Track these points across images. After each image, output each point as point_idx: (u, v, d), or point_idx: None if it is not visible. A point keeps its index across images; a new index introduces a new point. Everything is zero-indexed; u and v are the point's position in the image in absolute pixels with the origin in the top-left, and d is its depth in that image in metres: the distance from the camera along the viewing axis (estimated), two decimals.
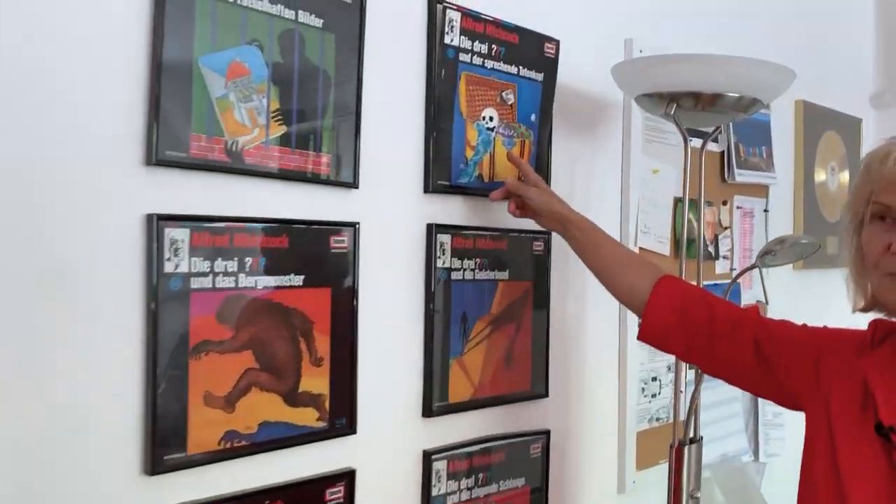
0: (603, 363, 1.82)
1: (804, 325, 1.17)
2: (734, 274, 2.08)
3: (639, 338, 1.30)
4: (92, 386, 1.01)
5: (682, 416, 1.64)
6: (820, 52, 2.55)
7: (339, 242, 1.27)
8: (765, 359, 1.15)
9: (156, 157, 1.05)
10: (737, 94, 1.43)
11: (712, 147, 2.13)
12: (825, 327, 1.16)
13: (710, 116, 1.51)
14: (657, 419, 1.94)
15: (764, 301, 1.52)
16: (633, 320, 1.86)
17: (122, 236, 1.04)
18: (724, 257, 2.16)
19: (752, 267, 1.53)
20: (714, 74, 1.39)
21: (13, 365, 0.95)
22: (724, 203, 2.17)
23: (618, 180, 1.85)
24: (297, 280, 1.21)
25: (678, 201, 2.00)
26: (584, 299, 1.76)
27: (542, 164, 1.61)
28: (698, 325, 1.21)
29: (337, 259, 1.27)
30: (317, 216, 1.24)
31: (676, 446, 1.51)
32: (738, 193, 2.20)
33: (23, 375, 0.96)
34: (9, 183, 0.94)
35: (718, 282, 2.13)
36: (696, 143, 1.94)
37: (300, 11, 1.20)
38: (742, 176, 2.16)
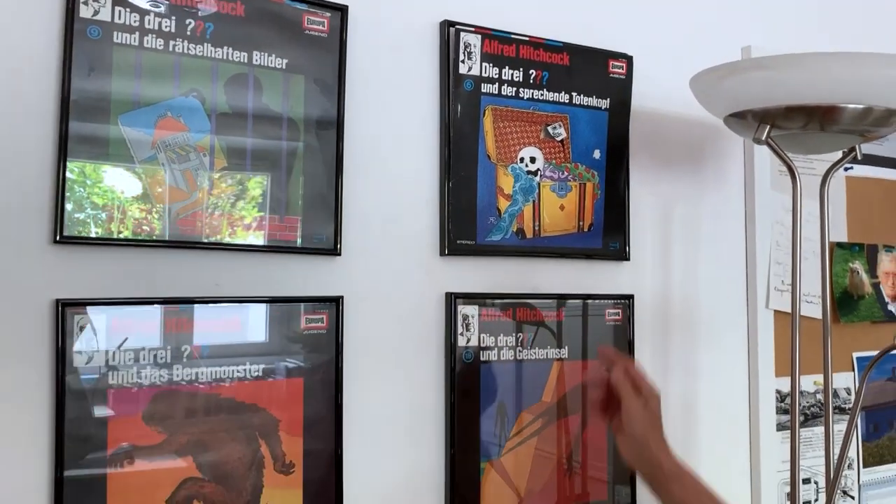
0: (726, 459, 1.41)
1: None
2: None
3: None
4: None
5: None
6: None
7: (315, 322, 1.05)
8: None
9: (61, 235, 0.91)
10: (859, 106, 1.02)
11: (891, 174, 1.64)
12: None
13: (829, 138, 1.10)
14: None
15: None
16: (767, 400, 1.44)
17: (30, 321, 0.90)
18: None
19: (891, 348, 1.08)
20: (818, 81, 1.00)
21: None
22: None
23: (739, 226, 1.45)
24: (255, 370, 1.01)
25: (836, 247, 1.54)
26: (691, 378, 1.37)
27: (617, 214, 1.28)
28: None
29: (312, 342, 1.05)
30: (282, 291, 1.04)
31: None
32: None
33: None
34: None
35: None
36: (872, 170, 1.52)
37: (255, 53, 1.02)
38: None
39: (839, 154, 1.19)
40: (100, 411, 0.92)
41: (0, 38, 0.89)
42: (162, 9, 0.96)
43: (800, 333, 1.15)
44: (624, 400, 0.94)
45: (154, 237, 0.95)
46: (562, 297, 1.23)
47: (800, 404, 1.40)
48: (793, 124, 1.06)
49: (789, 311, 1.46)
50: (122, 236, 0.94)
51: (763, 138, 1.06)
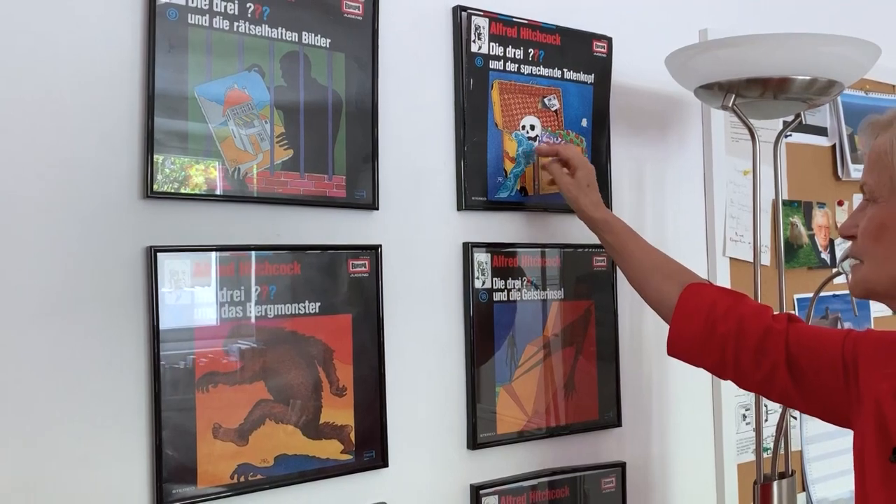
0: (692, 386, 1.64)
1: (847, 331, 0.99)
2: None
3: (668, 352, 1.15)
4: (95, 413, 1.02)
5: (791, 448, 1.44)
6: None
7: (359, 267, 1.22)
8: (799, 372, 0.99)
9: (151, 190, 1.05)
10: (807, 77, 1.24)
11: (821, 141, 1.89)
12: (870, 330, 0.99)
13: (781, 105, 1.33)
14: (765, 449, 1.72)
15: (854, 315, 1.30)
16: None
17: (126, 265, 1.04)
18: None
19: (835, 276, 1.32)
20: (774, 57, 1.22)
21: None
22: (840, 204, 1.91)
23: (699, 185, 1.68)
24: (313, 307, 1.17)
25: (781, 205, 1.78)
26: None
27: (601, 173, 1.48)
28: (726, 339, 1.06)
29: (357, 284, 1.22)
30: (331, 240, 1.20)
31: (762, 484, 1.32)
32: (858, 192, 1.93)
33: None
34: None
35: (838, 292, 1.88)
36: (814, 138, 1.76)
37: (304, 33, 1.18)
38: (860, 171, 1.90)
39: (781, 124, 1.42)
40: (187, 343, 1.07)
41: (95, 20, 1.03)
42: None
43: (760, 277, 1.37)
44: (555, 176, 1.29)
45: (227, 193, 1.10)
46: (560, 247, 1.43)
47: None
48: (752, 93, 1.28)
49: (742, 258, 1.71)
50: (201, 192, 1.08)
51: (729, 105, 1.28)
